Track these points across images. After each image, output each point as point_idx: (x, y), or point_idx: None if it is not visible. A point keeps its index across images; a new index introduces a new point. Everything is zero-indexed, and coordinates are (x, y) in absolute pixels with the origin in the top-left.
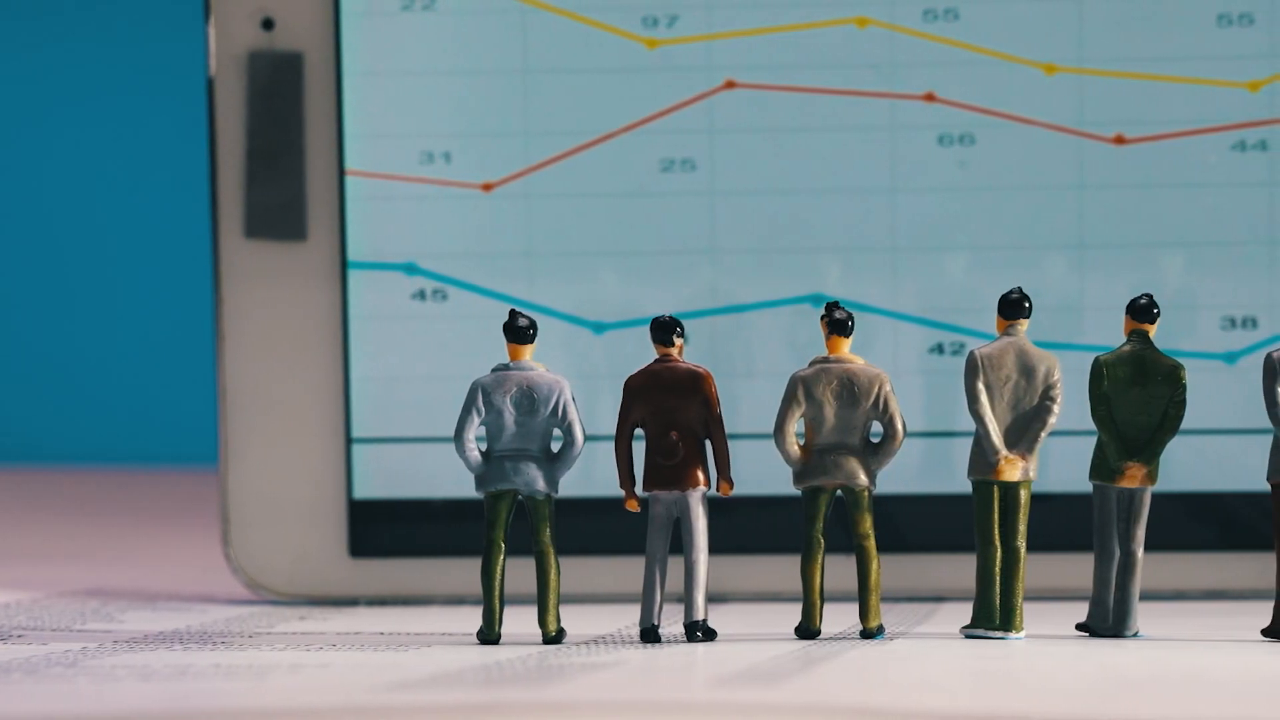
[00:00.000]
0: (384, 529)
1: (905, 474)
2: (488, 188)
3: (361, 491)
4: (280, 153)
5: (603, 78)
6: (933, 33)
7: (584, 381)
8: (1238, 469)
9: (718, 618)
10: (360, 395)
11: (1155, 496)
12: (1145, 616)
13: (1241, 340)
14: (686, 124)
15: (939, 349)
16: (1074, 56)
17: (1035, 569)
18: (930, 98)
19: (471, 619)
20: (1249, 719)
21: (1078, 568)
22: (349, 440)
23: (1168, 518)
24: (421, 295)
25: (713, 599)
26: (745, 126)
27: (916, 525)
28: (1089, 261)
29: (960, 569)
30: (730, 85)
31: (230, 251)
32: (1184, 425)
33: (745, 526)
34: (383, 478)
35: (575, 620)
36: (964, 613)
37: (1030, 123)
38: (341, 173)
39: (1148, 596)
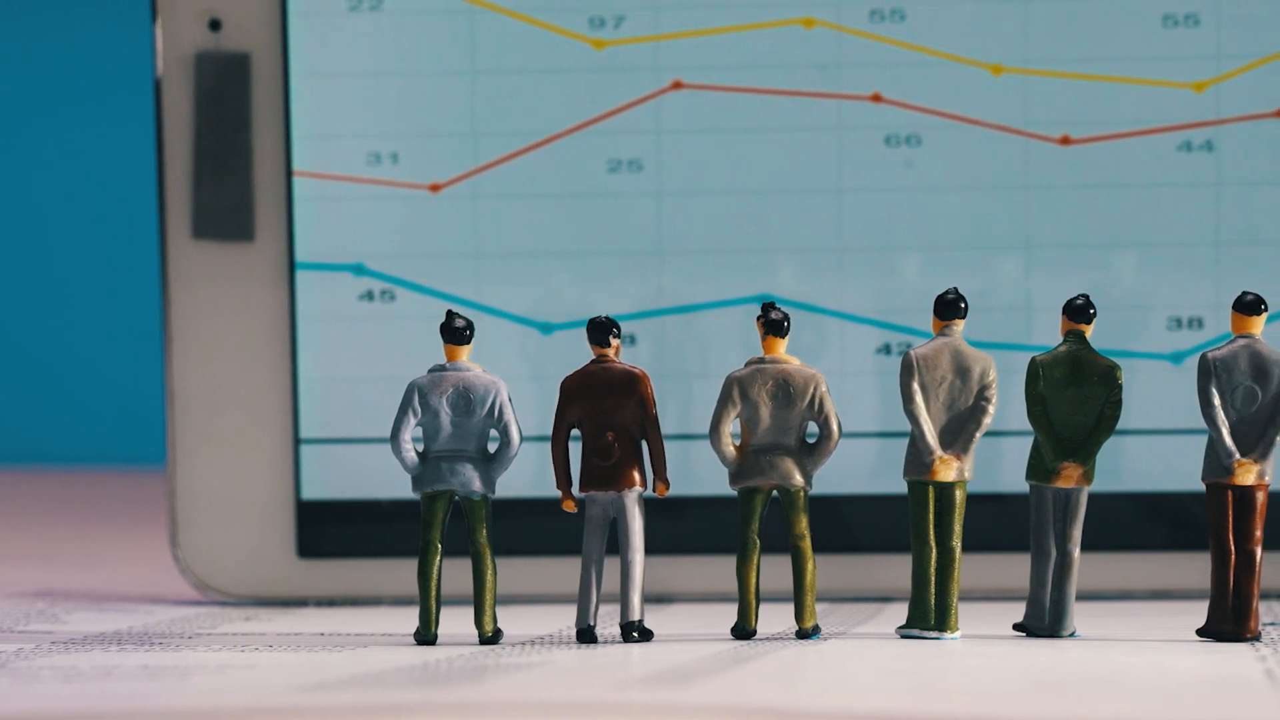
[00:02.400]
0: (332, 529)
1: (855, 475)
2: (435, 188)
3: (310, 492)
4: (228, 153)
5: (550, 78)
6: (879, 33)
7: (532, 383)
8: (1184, 469)
9: (663, 618)
10: (308, 396)
11: (1102, 496)
12: (1089, 616)
13: (1188, 340)
14: (634, 124)
15: (887, 349)
16: (1020, 57)
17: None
18: (877, 98)
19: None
20: (1169, 719)
21: (1015, 568)
22: (297, 441)
23: (1114, 518)
24: (369, 296)
25: (659, 599)
26: (693, 127)
27: (865, 525)
28: (1036, 262)
29: (908, 569)
30: (678, 86)
31: (178, 252)
32: (1131, 425)
33: (697, 526)
34: (331, 478)
35: (519, 621)
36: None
37: (976, 123)
38: (289, 173)
39: (1093, 596)
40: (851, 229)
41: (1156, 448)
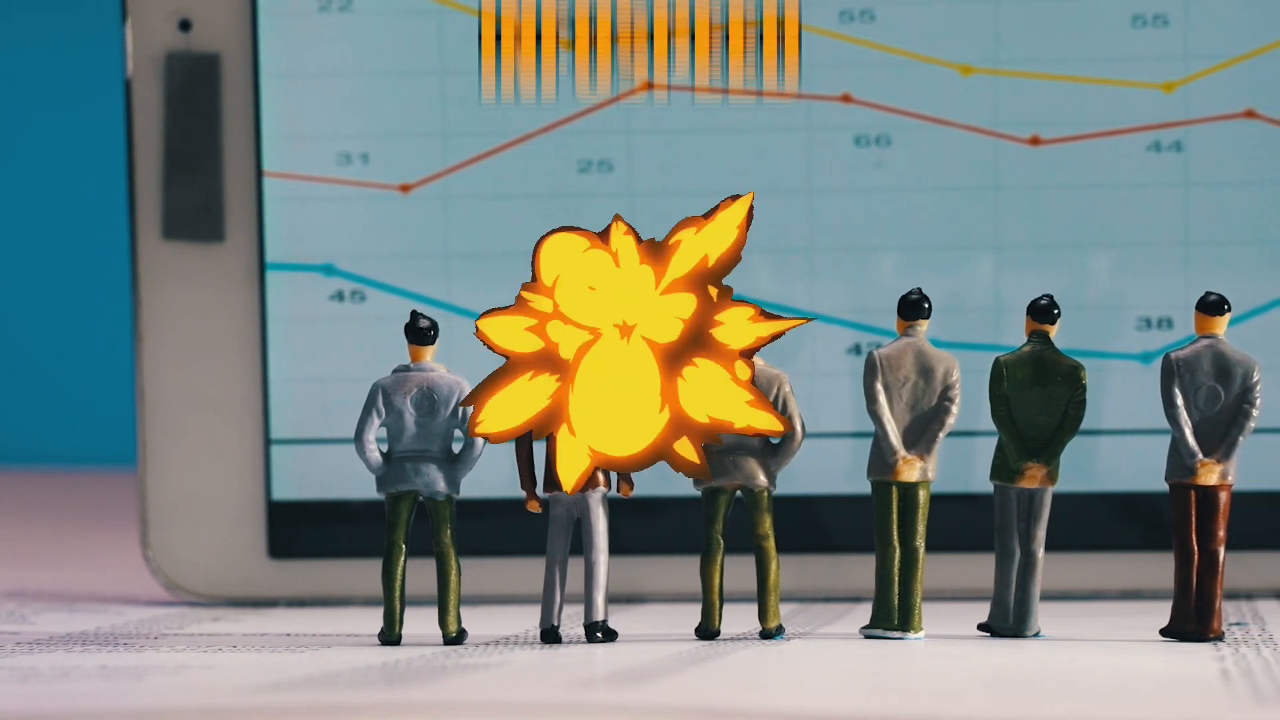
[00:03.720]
0: (303, 530)
1: (828, 475)
2: (405, 189)
3: (281, 493)
4: (198, 154)
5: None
6: (849, 34)
7: None
8: (1155, 469)
9: (633, 618)
10: (279, 396)
11: (1073, 496)
12: (1058, 616)
13: (1158, 340)
14: (604, 125)
15: (858, 350)
16: (990, 58)
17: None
18: (847, 99)
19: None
20: (1121, 718)
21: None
22: (268, 441)
23: (1085, 518)
24: (340, 296)
25: (630, 599)
26: (663, 128)
27: (838, 525)
28: (1006, 262)
29: None
30: (648, 86)
31: (148, 253)
32: (1101, 425)
33: (670, 526)
34: (302, 479)
35: (485, 621)
36: None
37: (946, 124)
38: (259, 174)
39: (1063, 596)
40: (822, 229)
41: (1127, 448)
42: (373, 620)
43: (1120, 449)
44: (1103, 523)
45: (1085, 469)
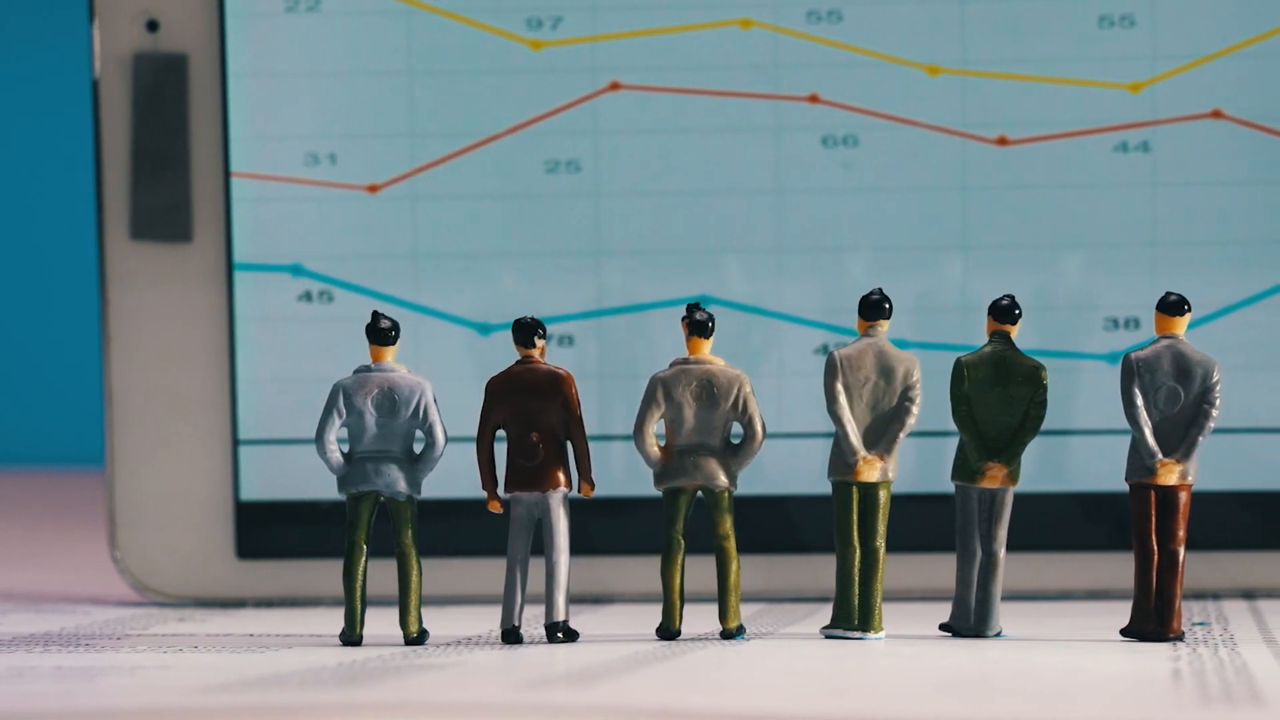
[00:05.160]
0: (271, 530)
1: (798, 475)
2: (373, 189)
3: (249, 493)
4: (165, 154)
5: (488, 79)
6: (816, 34)
7: (471, 384)
8: (1122, 469)
9: (600, 618)
10: (247, 397)
11: (1040, 496)
12: (1024, 616)
13: (1125, 341)
14: (572, 125)
15: (825, 349)
16: (957, 58)
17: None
18: (814, 99)
19: None
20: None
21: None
22: (236, 442)
23: (1054, 518)
24: (308, 297)
25: (598, 599)
26: (630, 128)
27: (808, 526)
28: (973, 262)
29: None
30: (615, 87)
31: (116, 253)
32: (1068, 426)
33: (640, 525)
34: (270, 479)
35: (448, 622)
36: None
37: (914, 124)
38: (227, 174)
39: (1031, 596)
40: (790, 230)
41: (1095, 448)
42: (339, 621)
43: (1088, 449)
44: (1071, 523)
45: (1054, 469)
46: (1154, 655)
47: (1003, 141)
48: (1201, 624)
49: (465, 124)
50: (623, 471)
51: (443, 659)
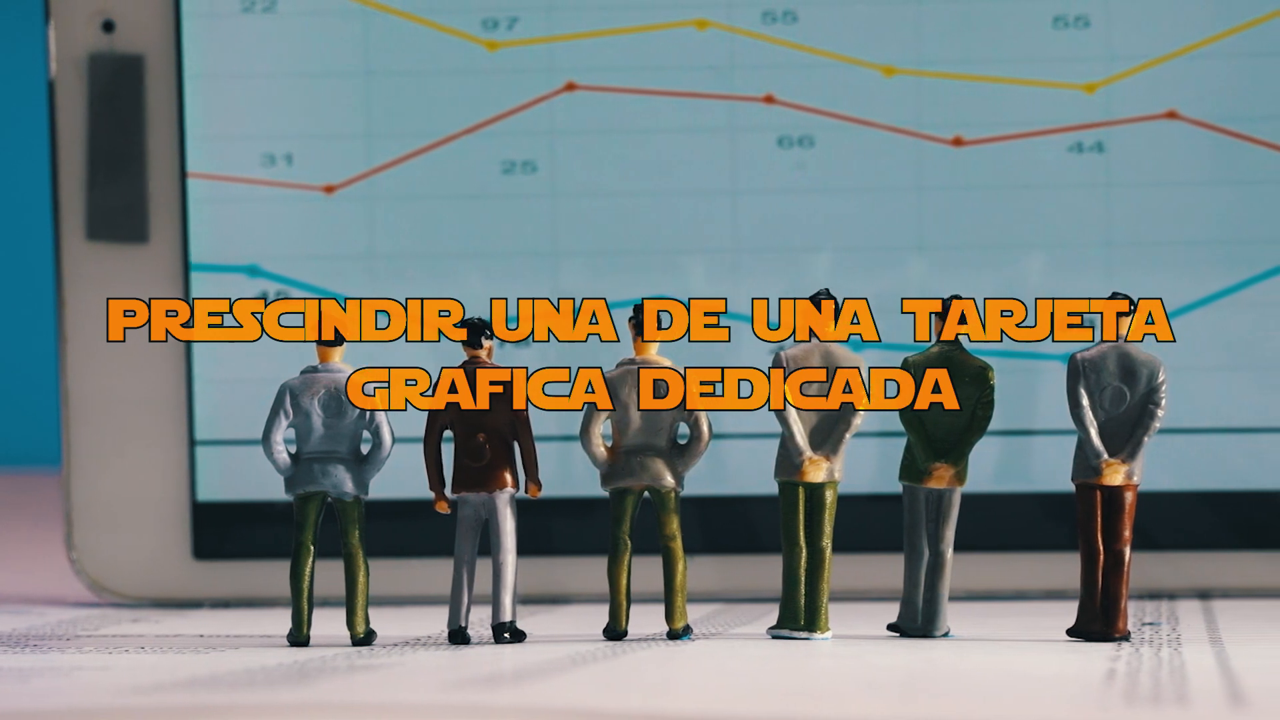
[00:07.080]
0: (228, 531)
1: (757, 475)
2: (330, 190)
3: (205, 494)
4: (121, 155)
5: (444, 80)
6: (772, 35)
7: None
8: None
9: (554, 618)
10: (203, 397)
11: (998, 496)
12: (975, 616)
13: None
14: (527, 126)
15: (780, 348)
16: (912, 59)
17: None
18: (770, 100)
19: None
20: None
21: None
22: (192, 443)
23: (1007, 517)
24: (264, 297)
25: (555, 600)
26: (586, 128)
27: (768, 526)
28: (929, 263)
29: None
30: (571, 87)
31: (72, 254)
32: (1025, 426)
33: (594, 527)
34: (226, 480)
35: (396, 622)
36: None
37: (869, 124)
38: (183, 175)
39: (987, 597)
40: (746, 230)
41: (1051, 448)
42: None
43: (1047, 449)
44: (1026, 522)
45: (1011, 469)
46: (1094, 655)
47: (958, 142)
48: (1151, 624)
49: (421, 124)
50: (584, 472)
51: (385, 659)
